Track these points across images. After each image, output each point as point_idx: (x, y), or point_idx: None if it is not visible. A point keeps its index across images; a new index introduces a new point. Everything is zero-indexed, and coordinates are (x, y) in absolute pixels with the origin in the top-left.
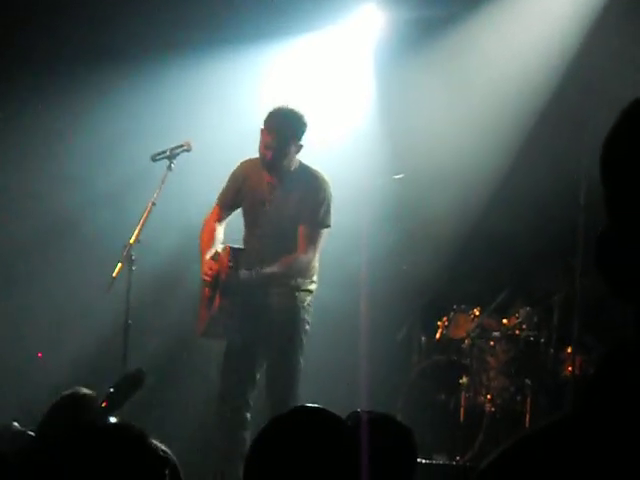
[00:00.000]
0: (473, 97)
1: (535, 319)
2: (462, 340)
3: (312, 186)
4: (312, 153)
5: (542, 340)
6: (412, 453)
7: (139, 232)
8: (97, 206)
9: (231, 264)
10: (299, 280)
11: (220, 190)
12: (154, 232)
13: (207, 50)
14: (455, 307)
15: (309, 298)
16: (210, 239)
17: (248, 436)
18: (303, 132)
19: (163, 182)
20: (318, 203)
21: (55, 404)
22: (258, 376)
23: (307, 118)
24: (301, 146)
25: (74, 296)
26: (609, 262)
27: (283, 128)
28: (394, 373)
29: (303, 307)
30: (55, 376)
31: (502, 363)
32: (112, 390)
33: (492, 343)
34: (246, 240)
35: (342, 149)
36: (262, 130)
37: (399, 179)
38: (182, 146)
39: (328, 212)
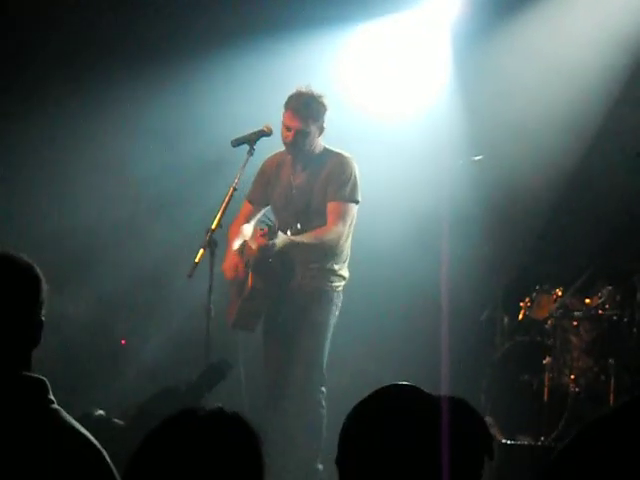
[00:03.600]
0: (555, 78)
1: (618, 298)
2: (545, 320)
3: (337, 164)
4: (392, 133)
5: (625, 319)
6: (484, 438)
7: (220, 217)
8: (177, 192)
9: (264, 233)
10: (333, 263)
11: (249, 188)
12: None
13: (283, 35)
14: (537, 287)
15: (342, 283)
16: (237, 232)
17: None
18: (322, 113)
19: (244, 167)
20: (344, 179)
21: (155, 396)
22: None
23: (326, 100)
24: (323, 128)
25: (156, 282)
26: None
27: (301, 108)
28: (477, 354)
29: (336, 291)
30: (138, 363)
31: (585, 343)
32: (196, 380)
33: (575, 323)
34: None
35: (421, 129)
36: (283, 113)
37: (478, 161)
38: (262, 131)
39: (355, 188)
